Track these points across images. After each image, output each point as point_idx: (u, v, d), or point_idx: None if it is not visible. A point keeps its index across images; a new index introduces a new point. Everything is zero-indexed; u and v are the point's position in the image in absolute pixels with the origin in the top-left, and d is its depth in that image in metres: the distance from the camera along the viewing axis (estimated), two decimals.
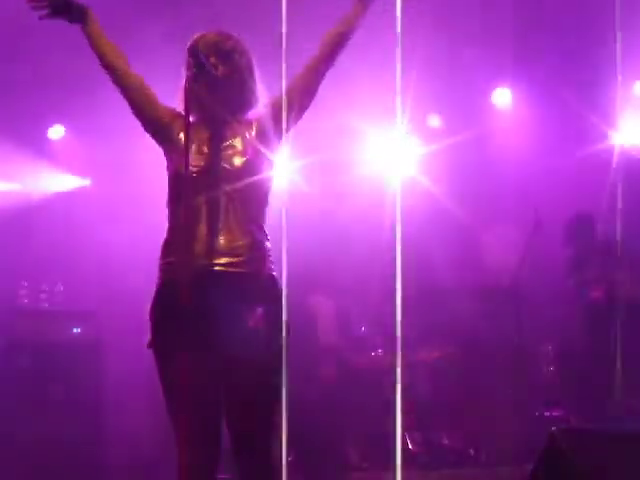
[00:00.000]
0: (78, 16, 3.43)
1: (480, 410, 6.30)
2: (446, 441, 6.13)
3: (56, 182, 8.18)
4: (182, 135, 3.26)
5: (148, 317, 3.24)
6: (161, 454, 6.39)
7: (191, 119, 3.21)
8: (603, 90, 7.01)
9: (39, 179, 8.07)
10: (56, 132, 8.41)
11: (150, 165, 3.58)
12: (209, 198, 3.22)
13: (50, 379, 6.76)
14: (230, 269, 3.17)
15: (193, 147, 3.23)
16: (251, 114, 3.39)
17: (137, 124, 3.51)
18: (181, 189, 3.22)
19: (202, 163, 3.25)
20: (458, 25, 7.01)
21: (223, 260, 3.17)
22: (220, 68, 3.29)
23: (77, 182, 8.28)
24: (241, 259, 3.19)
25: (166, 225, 3.31)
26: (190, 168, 3.16)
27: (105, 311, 7.08)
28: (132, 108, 3.42)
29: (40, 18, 3.42)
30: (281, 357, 3.22)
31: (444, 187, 7.43)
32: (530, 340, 6.43)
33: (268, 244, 3.28)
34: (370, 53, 6.07)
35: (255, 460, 3.17)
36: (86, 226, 7.57)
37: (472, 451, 6.06)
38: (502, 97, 8.17)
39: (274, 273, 3.26)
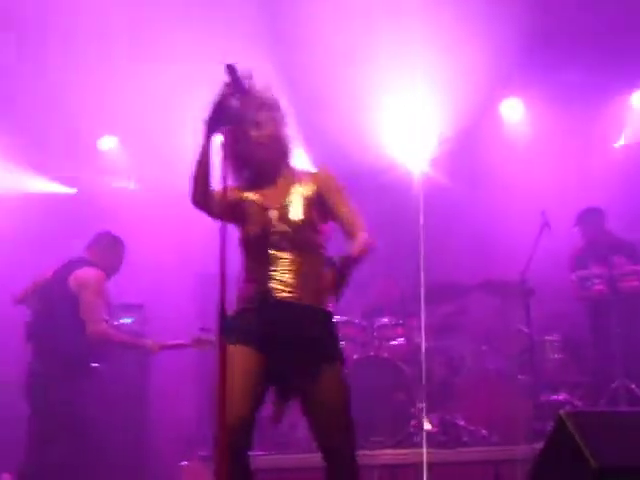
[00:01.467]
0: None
1: (492, 394, 6.30)
2: (461, 422, 6.14)
3: (106, 187, 8.29)
4: (242, 196, 3.52)
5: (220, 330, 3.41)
6: (201, 433, 6.50)
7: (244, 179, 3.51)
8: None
9: (92, 185, 8.18)
10: (106, 143, 8.48)
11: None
12: (282, 247, 3.46)
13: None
14: (294, 301, 3.44)
15: (255, 209, 3.49)
16: (308, 176, 3.60)
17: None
18: (250, 244, 3.49)
19: (265, 224, 3.47)
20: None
21: (286, 295, 3.44)
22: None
23: (125, 187, 8.38)
24: (300, 295, 3.45)
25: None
26: (255, 230, 3.46)
27: (152, 304, 7.14)
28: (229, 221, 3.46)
29: None
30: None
31: (459, 187, 7.48)
32: (538, 330, 6.40)
33: (320, 284, 3.45)
34: None
35: None
36: (134, 228, 7.63)
37: (485, 431, 6.06)
38: (511, 107, 8.17)
39: (324, 307, 3.52)
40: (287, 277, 3.44)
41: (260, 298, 3.44)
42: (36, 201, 8.11)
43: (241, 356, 3.32)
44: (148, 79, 6.87)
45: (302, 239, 3.49)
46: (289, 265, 3.46)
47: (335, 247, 3.53)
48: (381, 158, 7.57)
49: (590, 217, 6.83)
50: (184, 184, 3.52)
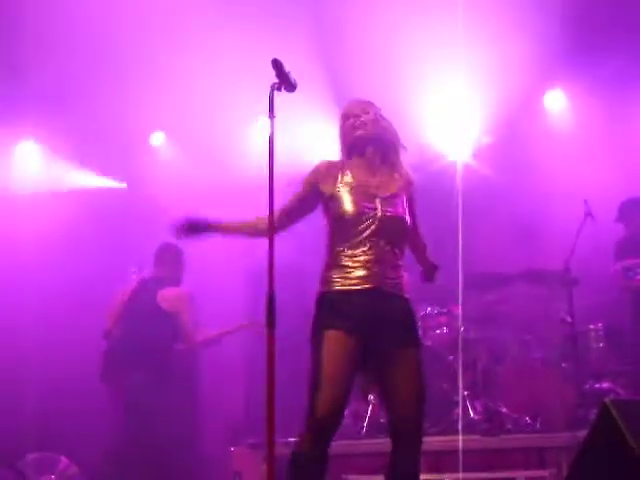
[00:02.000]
0: (208, 228, 3.77)
1: (535, 382, 6.25)
2: (504, 410, 6.09)
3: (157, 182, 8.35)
4: (339, 180, 3.61)
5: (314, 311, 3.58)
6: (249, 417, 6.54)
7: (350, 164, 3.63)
8: None
9: (143, 180, 8.27)
10: (157, 138, 8.57)
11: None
12: (369, 236, 3.53)
13: None
14: (391, 290, 3.57)
15: (361, 186, 3.58)
16: (405, 176, 3.74)
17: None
18: (354, 224, 3.53)
19: (375, 206, 3.55)
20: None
21: (377, 284, 3.52)
22: (371, 124, 3.65)
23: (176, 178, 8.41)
24: (391, 283, 3.57)
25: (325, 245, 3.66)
26: (354, 211, 3.53)
27: (202, 296, 7.18)
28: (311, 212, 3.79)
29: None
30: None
31: (502, 177, 7.42)
32: (581, 319, 6.33)
33: (406, 275, 3.72)
34: None
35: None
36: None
37: (528, 419, 6.01)
38: (555, 98, 8.08)
39: (407, 296, 3.69)
40: (376, 264, 3.51)
41: (349, 283, 3.50)
42: (88, 196, 8.19)
43: (334, 341, 3.39)
44: (197, 76, 6.93)
45: (398, 230, 3.60)
46: (379, 252, 3.53)
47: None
48: (425, 150, 7.52)
49: (632, 208, 6.75)
50: (230, 177, 3.57)
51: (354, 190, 3.57)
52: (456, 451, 5.56)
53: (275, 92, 3.37)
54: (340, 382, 3.35)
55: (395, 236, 3.59)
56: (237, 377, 6.35)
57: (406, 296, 3.66)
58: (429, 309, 6.59)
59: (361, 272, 3.49)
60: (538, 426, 5.92)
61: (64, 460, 6.69)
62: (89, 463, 6.70)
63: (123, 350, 5.94)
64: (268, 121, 3.39)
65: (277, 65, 3.34)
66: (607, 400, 2.04)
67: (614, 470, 2.00)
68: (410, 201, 3.74)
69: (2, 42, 7.15)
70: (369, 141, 3.65)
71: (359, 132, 3.64)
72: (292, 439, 3.47)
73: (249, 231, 3.77)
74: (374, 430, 5.99)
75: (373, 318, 3.47)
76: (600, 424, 2.04)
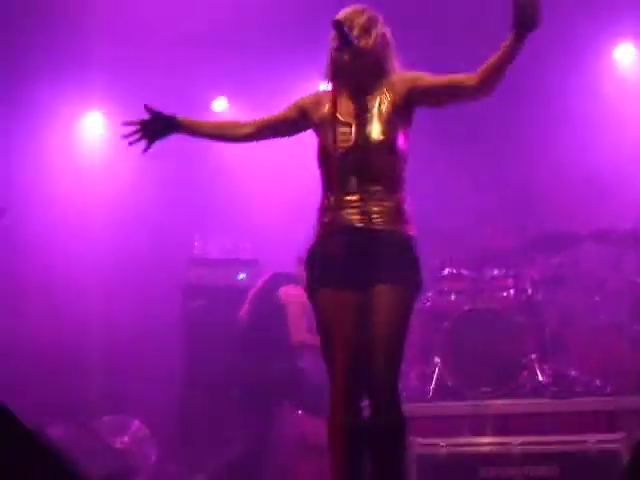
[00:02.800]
0: (171, 129, 3.53)
1: (605, 345, 6.16)
2: (574, 373, 6.01)
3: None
4: (323, 110, 3.35)
5: (305, 265, 3.42)
6: None
7: (334, 89, 3.19)
8: None
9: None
10: (219, 104, 8.54)
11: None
12: (355, 169, 3.27)
13: (219, 320, 6.90)
14: (377, 226, 3.27)
15: (339, 121, 3.24)
16: (388, 83, 3.37)
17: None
18: (330, 159, 3.26)
19: (346, 134, 3.28)
20: None
21: (370, 219, 3.26)
22: (361, 37, 3.28)
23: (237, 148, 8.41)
24: (385, 218, 3.27)
25: (315, 186, 3.42)
26: (337, 142, 3.20)
27: (267, 259, 7.21)
28: (281, 137, 3.60)
29: (143, 152, 3.55)
30: (413, 299, 3.31)
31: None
32: None
33: (406, 207, 3.34)
34: None
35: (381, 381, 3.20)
36: (246, 186, 7.71)
37: (598, 382, 5.94)
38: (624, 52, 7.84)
39: (412, 233, 3.33)
40: (363, 201, 3.26)
41: (334, 226, 3.24)
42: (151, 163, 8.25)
43: (332, 304, 3.13)
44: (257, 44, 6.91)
45: (379, 158, 3.28)
46: (362, 187, 3.26)
47: None
48: None
49: None
50: (293, 143, 3.51)
51: (328, 124, 3.24)
52: (524, 414, 5.63)
53: (336, 53, 3.25)
54: (350, 345, 3.13)
55: (373, 166, 3.27)
56: None
57: (401, 232, 3.30)
58: (496, 271, 6.48)
59: (342, 212, 3.23)
60: (609, 389, 5.81)
61: (136, 423, 6.83)
62: (159, 426, 6.85)
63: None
64: (329, 85, 3.27)
65: (338, 25, 3.15)
66: None
67: None
68: (410, 98, 3.33)
69: (71, 17, 7.19)
70: (346, 70, 3.31)
71: (345, 58, 3.27)
72: None
73: (228, 135, 3.58)
74: (440, 393, 5.93)
75: (359, 261, 3.22)
76: None
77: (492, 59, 3.13)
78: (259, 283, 6.46)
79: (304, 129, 3.51)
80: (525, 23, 2.98)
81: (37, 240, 7.41)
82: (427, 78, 3.34)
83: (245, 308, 6.36)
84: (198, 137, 3.62)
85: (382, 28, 3.36)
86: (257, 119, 3.54)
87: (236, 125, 3.60)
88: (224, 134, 3.60)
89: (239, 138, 3.57)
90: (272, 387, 6.07)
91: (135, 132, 3.52)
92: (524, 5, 2.95)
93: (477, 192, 7.18)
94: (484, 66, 3.16)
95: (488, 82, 3.17)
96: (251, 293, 6.43)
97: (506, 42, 3.07)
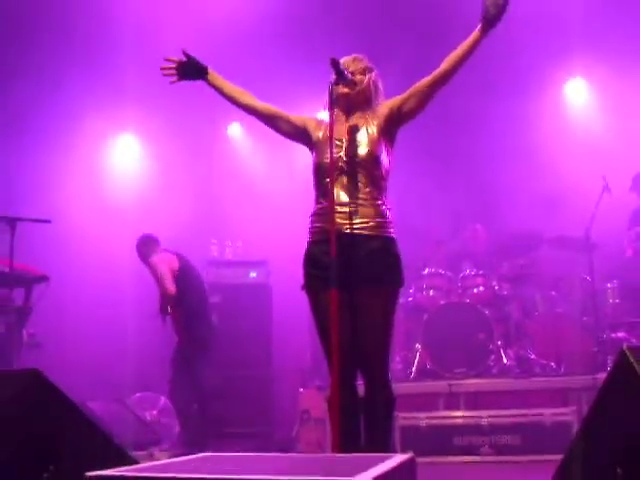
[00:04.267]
0: (200, 76, 3.49)
1: (559, 333, 6.18)
2: (533, 356, 6.07)
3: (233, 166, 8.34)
4: (320, 133, 3.36)
5: (302, 266, 3.36)
6: (315, 364, 6.56)
7: (331, 116, 3.20)
8: None
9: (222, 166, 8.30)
10: (234, 129, 8.52)
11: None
12: (345, 179, 3.26)
13: (233, 313, 6.92)
14: (361, 232, 3.23)
15: (333, 141, 3.21)
16: (374, 112, 3.40)
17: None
18: (323, 173, 3.27)
19: (339, 153, 3.28)
20: None
21: (356, 225, 3.23)
22: (356, 77, 3.34)
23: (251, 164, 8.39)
24: (368, 225, 3.24)
25: (313, 199, 3.38)
26: (329, 158, 3.17)
27: (274, 260, 7.21)
28: (274, 130, 3.49)
29: (171, 83, 3.52)
30: (395, 294, 3.28)
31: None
32: (599, 279, 6.22)
33: (388, 213, 3.31)
34: None
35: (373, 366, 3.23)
36: (258, 197, 7.71)
37: (554, 364, 5.98)
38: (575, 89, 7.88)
39: (392, 235, 3.30)
40: (349, 208, 3.22)
41: (324, 232, 3.19)
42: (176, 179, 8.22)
43: (325, 303, 3.09)
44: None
45: (365, 173, 3.26)
46: (350, 197, 3.24)
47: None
48: None
49: None
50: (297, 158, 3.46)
51: (324, 142, 3.27)
52: (491, 392, 5.63)
53: (333, 87, 3.26)
54: (342, 331, 3.05)
55: (359, 173, 3.25)
56: (304, 330, 6.35)
57: (383, 235, 3.25)
58: (468, 271, 6.54)
59: (332, 218, 3.12)
60: (562, 370, 5.90)
61: (163, 399, 6.82)
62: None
63: None
64: (327, 114, 3.25)
65: (335, 64, 3.21)
66: (625, 346, 1.99)
67: (630, 409, 1.96)
68: (394, 119, 3.37)
69: (106, 44, 7.12)
70: (341, 100, 3.34)
71: (341, 90, 3.31)
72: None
73: (235, 97, 3.47)
74: (420, 374, 6.01)
75: (346, 264, 3.13)
76: (618, 368, 1.99)
77: (461, 47, 3.27)
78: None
79: (296, 137, 3.49)
80: (491, 21, 3.20)
81: (84, 244, 7.39)
82: (402, 95, 3.40)
83: None
84: (217, 91, 3.49)
85: (375, 76, 3.43)
86: (269, 104, 3.48)
87: (251, 98, 3.47)
88: (238, 99, 3.46)
89: (247, 109, 3.47)
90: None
91: (171, 68, 3.51)
92: (492, 6, 3.19)
93: (454, 203, 7.22)
94: (452, 54, 3.29)
95: (457, 65, 3.29)
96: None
97: (473, 35, 3.25)
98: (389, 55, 5.39)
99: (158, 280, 5.79)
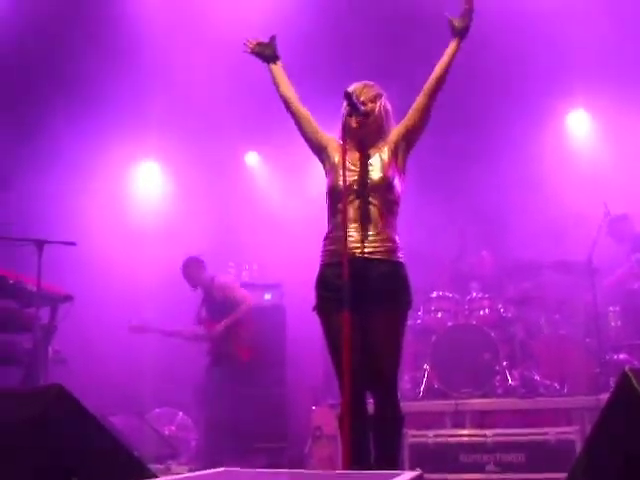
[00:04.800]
0: (271, 59, 3.65)
1: (563, 354, 6.13)
2: (537, 377, 6.01)
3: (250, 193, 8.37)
4: (337, 157, 3.37)
5: (315, 288, 3.36)
6: (327, 382, 6.54)
7: (346, 145, 3.24)
8: None
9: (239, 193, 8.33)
10: (251, 158, 8.55)
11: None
12: (358, 204, 3.28)
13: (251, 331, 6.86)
14: (372, 256, 3.24)
15: (347, 166, 3.24)
16: (386, 138, 3.44)
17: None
18: (337, 197, 3.27)
19: (353, 178, 3.30)
20: None
21: (367, 249, 3.24)
22: (367, 105, 3.36)
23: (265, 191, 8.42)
24: (379, 249, 3.26)
25: (326, 222, 3.40)
26: (343, 181, 3.19)
27: (288, 283, 7.21)
28: (300, 132, 3.53)
29: (243, 52, 3.68)
30: (404, 316, 3.29)
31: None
32: (602, 302, 6.17)
33: (397, 238, 3.33)
34: None
35: (382, 381, 3.23)
36: (273, 223, 7.73)
37: (557, 385, 5.93)
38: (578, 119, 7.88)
39: (401, 260, 3.31)
40: (361, 233, 3.24)
41: (336, 255, 3.20)
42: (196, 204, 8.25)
43: (337, 324, 3.05)
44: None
45: (378, 197, 3.28)
46: (362, 221, 3.26)
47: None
48: None
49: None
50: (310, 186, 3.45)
51: (338, 169, 3.28)
52: (497, 410, 5.61)
53: (347, 118, 3.31)
54: (353, 353, 3.00)
55: (371, 203, 3.28)
56: (316, 349, 6.34)
57: (393, 260, 3.27)
58: (475, 294, 6.52)
59: (344, 242, 3.07)
60: (565, 391, 5.85)
61: (181, 414, 6.83)
62: (199, 416, 6.77)
63: None
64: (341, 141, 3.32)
65: (348, 96, 3.24)
66: (627, 368, 1.97)
67: (631, 428, 1.94)
68: (403, 143, 3.44)
69: (130, 77, 7.18)
70: (354, 130, 3.38)
71: (353, 124, 3.37)
72: None
73: (282, 86, 3.60)
74: (428, 393, 5.97)
75: (357, 286, 3.10)
76: (620, 389, 1.98)
77: (443, 58, 3.46)
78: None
79: (315, 149, 3.52)
80: (462, 33, 3.45)
81: (107, 266, 7.40)
82: (405, 117, 3.49)
83: None
84: (273, 79, 3.63)
85: (385, 101, 3.47)
86: (304, 108, 3.55)
87: (296, 97, 3.57)
88: (285, 92, 3.57)
89: (288, 103, 3.55)
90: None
91: (251, 44, 3.66)
92: (457, 21, 3.45)
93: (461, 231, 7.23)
94: (438, 63, 3.45)
95: (444, 72, 3.45)
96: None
97: (451, 45, 3.46)
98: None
99: (232, 296, 5.93)
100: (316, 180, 3.61)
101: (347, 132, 3.29)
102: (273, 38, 3.68)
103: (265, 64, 3.66)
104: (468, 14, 3.42)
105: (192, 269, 6.26)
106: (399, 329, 3.25)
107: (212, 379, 6.13)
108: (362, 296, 3.16)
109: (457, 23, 3.44)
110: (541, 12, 6.32)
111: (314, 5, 6.79)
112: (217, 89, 7.06)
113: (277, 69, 3.63)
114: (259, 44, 3.66)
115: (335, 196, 3.31)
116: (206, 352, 6.33)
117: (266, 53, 3.65)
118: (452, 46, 3.45)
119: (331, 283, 3.24)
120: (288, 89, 3.57)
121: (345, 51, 6.94)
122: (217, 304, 6.28)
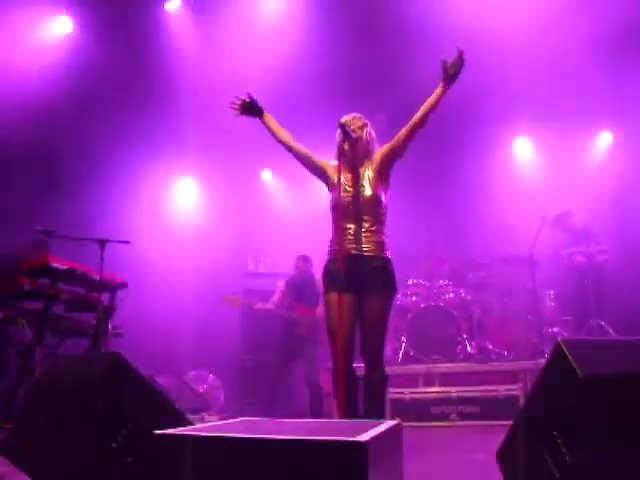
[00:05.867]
0: (258, 114, 3.48)
1: (510, 328, 6.15)
2: (490, 346, 6.02)
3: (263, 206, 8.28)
4: (335, 178, 3.32)
5: (322, 277, 3.36)
6: (327, 350, 6.47)
7: (341, 165, 3.25)
8: None
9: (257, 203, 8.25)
10: (266, 175, 8.46)
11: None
12: (354, 216, 3.28)
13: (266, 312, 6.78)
14: (366, 253, 3.25)
15: (343, 186, 3.27)
16: (372, 159, 3.40)
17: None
18: (338, 211, 3.28)
19: (349, 195, 3.30)
20: None
21: (362, 248, 3.25)
22: (356, 133, 3.35)
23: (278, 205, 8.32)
24: (371, 248, 3.26)
25: (322, 225, 3.47)
26: (342, 199, 3.25)
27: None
28: (303, 166, 3.46)
29: (234, 116, 3.48)
30: (391, 300, 3.27)
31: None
32: (540, 287, 6.20)
33: (385, 239, 3.30)
34: None
35: (372, 355, 3.20)
36: (284, 227, 7.65)
37: (505, 352, 5.93)
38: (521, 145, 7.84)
39: (389, 256, 3.30)
40: (357, 236, 3.24)
41: (338, 253, 3.20)
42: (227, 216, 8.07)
43: (336, 301, 3.11)
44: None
45: (369, 210, 3.27)
46: (357, 227, 3.25)
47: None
48: None
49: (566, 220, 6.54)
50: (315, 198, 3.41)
51: (337, 186, 3.23)
52: (459, 373, 5.59)
53: (341, 144, 3.29)
54: (344, 330, 3.06)
55: (364, 210, 3.25)
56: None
57: (382, 256, 3.25)
58: (442, 281, 6.51)
59: (344, 243, 3.18)
60: (512, 357, 5.84)
61: (211, 376, 6.79)
62: (225, 379, 6.79)
63: None
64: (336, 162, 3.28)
65: (342, 126, 3.25)
66: (559, 339, 1.99)
67: (563, 386, 1.95)
68: (386, 163, 3.35)
69: (170, 111, 7.09)
70: (347, 153, 3.31)
71: (346, 147, 3.29)
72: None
73: (279, 135, 3.42)
74: (405, 359, 5.97)
75: (355, 276, 3.18)
76: (554, 355, 1.99)
77: (429, 100, 3.24)
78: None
79: (316, 175, 3.44)
80: (452, 78, 3.20)
81: (153, 261, 7.27)
82: (390, 142, 3.39)
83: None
84: (267, 129, 3.44)
85: (370, 129, 3.43)
86: (302, 146, 3.41)
87: (290, 139, 3.41)
88: (280, 138, 3.42)
89: (285, 146, 3.41)
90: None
91: (236, 104, 3.45)
92: (451, 68, 3.19)
93: (432, 233, 7.19)
94: (423, 106, 3.24)
95: (427, 114, 3.24)
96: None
97: (438, 91, 3.23)
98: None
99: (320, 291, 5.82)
100: (320, 193, 3.58)
101: (341, 154, 3.29)
102: (251, 97, 3.47)
103: (257, 118, 3.48)
104: (459, 64, 3.18)
105: (307, 263, 6.17)
106: (387, 309, 3.25)
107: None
108: (359, 284, 3.19)
109: (449, 70, 3.19)
110: (491, 49, 6.27)
111: (322, 46, 6.71)
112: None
113: (268, 119, 3.46)
114: (243, 105, 3.46)
115: (336, 208, 3.30)
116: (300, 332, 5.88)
117: (252, 111, 3.47)
118: (439, 90, 3.23)
119: (334, 274, 3.24)
120: (284, 135, 3.41)
121: (346, 86, 6.89)
122: (308, 294, 5.98)
